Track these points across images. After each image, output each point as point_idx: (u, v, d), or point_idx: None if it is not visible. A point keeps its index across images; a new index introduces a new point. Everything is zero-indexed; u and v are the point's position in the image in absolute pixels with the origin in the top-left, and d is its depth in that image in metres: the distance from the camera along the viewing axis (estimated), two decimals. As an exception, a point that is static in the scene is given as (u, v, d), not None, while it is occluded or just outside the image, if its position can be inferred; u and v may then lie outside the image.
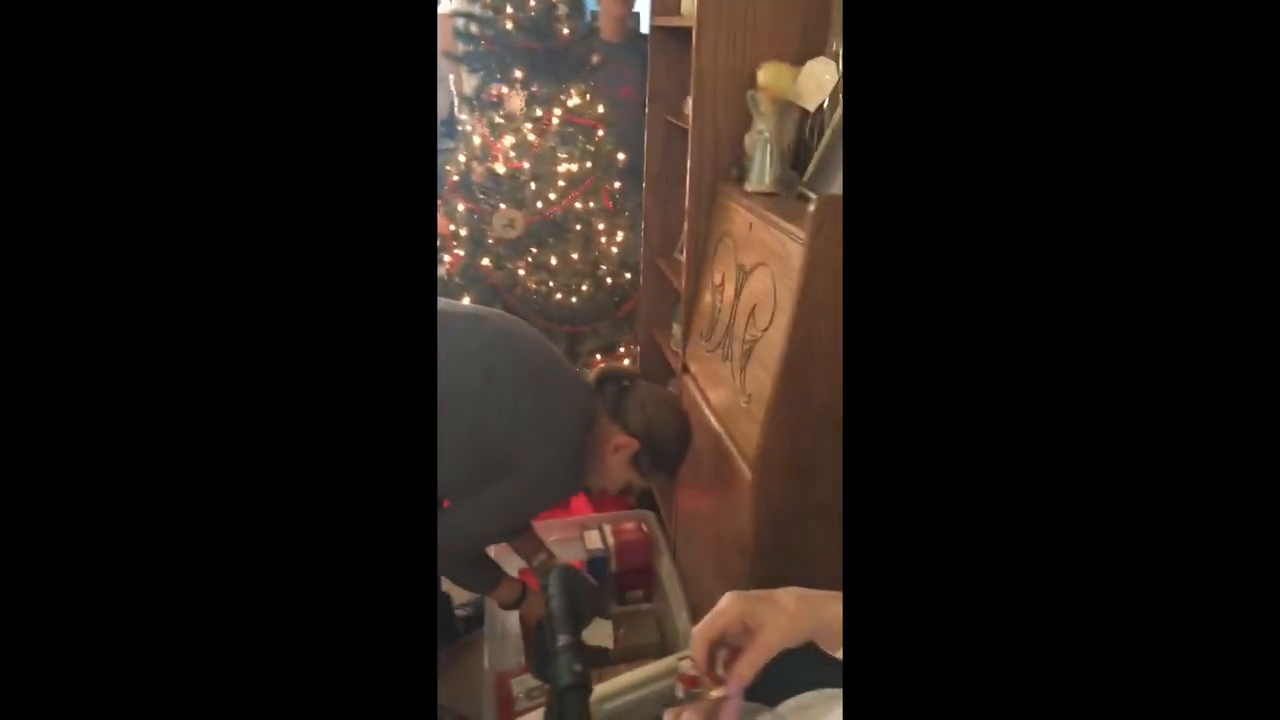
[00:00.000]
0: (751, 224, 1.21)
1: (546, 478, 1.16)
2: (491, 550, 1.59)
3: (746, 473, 1.12)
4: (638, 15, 2.73)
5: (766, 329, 1.11)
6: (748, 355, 1.16)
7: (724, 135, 1.34)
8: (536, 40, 1.92)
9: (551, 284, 2.03)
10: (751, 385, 1.14)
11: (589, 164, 2.04)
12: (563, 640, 0.70)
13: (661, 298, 1.90)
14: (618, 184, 2.12)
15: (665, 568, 1.57)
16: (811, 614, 0.59)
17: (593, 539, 1.58)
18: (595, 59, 2.08)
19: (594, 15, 2.52)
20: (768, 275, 1.12)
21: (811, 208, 0.97)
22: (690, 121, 1.35)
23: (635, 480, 1.25)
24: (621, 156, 2.13)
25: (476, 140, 2.04)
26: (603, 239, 2.12)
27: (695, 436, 1.28)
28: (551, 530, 1.59)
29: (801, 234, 0.99)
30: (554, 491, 1.20)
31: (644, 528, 1.60)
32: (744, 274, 1.22)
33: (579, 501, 2.01)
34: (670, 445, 1.22)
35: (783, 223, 1.08)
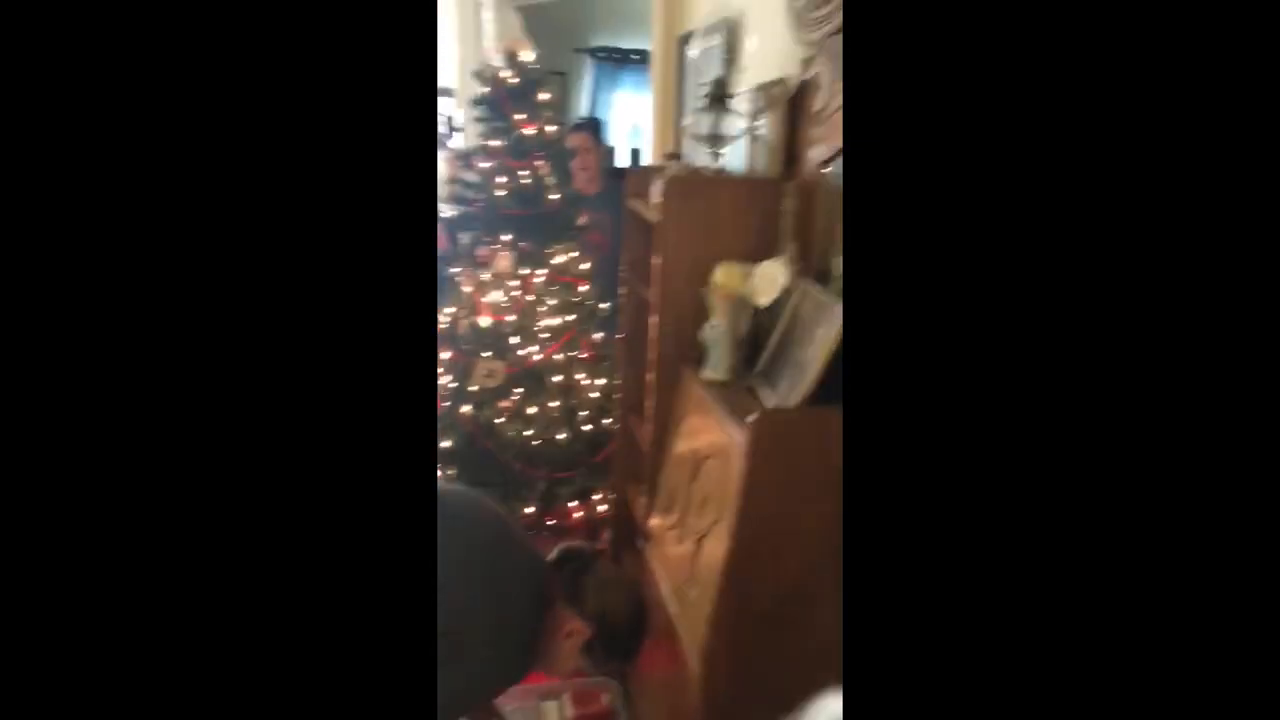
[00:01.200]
0: (706, 412, 1.26)
1: (492, 667, 1.15)
2: None
3: (694, 665, 1.12)
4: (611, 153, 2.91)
5: (714, 524, 1.13)
6: (698, 546, 1.18)
7: (685, 323, 1.42)
8: (525, 208, 2.06)
9: (528, 433, 2.08)
10: (700, 577, 1.15)
11: (571, 317, 2.14)
12: None
13: (634, 452, 1.93)
14: (598, 335, 2.21)
15: (625, 745, 1.52)
16: None
17: (550, 712, 1.53)
18: (582, 220, 2.22)
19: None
20: (716, 470, 1.16)
21: (752, 418, 1.02)
22: (653, 309, 1.44)
23: (586, 668, 1.24)
24: (604, 305, 2.23)
25: (467, 289, 2.14)
26: (582, 386, 2.19)
27: (653, 614, 1.28)
28: (508, 698, 1.55)
29: (743, 442, 1.04)
30: (500, 680, 1.19)
31: (605, 700, 1.56)
32: (698, 461, 1.26)
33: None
34: (624, 636, 1.21)
35: (729, 422, 1.13)
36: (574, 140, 2.71)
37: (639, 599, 1.25)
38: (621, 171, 4.16)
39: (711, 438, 1.21)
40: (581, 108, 5.37)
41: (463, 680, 1.13)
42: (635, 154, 5.20)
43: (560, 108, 5.29)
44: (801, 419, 1.04)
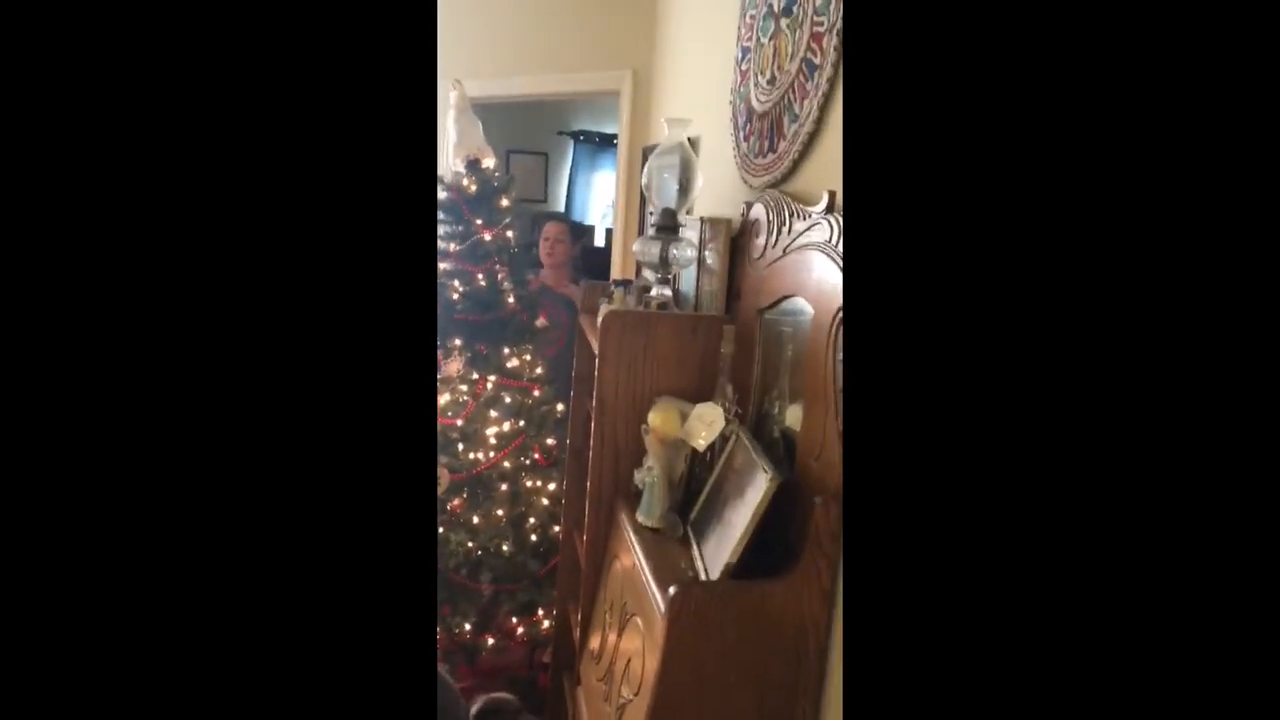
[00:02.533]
0: (634, 564, 1.21)
1: None
2: None
3: None
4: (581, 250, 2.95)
5: (635, 696, 1.07)
6: (620, 715, 1.11)
7: (623, 456, 1.38)
8: (481, 312, 2.04)
9: (472, 544, 2.00)
10: (619, 751, 1.08)
11: (521, 423, 2.09)
12: None
13: (575, 573, 1.86)
14: (550, 440, 2.16)
15: None
16: None
17: None
18: (541, 321, 2.21)
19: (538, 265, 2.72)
20: (638, 635, 1.10)
21: (673, 591, 0.97)
22: (592, 437, 1.40)
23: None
24: (560, 407, 2.19)
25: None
26: (531, 490, 2.13)
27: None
28: None
29: (663, 612, 0.99)
30: None
31: None
32: (625, 616, 1.20)
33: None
34: None
35: (654, 584, 1.08)
36: (550, 229, 2.73)
37: None
38: (595, 253, 4.17)
39: (638, 594, 1.16)
40: (561, 186, 5.48)
41: None
42: (609, 234, 5.29)
43: (540, 186, 5.40)
44: (720, 596, 1.00)
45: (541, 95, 2.97)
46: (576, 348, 1.79)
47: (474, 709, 1.23)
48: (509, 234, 2.10)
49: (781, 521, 1.05)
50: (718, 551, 1.09)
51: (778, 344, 1.25)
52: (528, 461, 2.12)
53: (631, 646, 1.14)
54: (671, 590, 0.98)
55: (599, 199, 5.54)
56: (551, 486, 2.15)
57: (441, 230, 2.08)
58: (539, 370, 2.15)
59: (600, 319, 1.37)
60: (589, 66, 2.66)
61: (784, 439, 1.21)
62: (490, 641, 1.99)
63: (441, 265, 2.08)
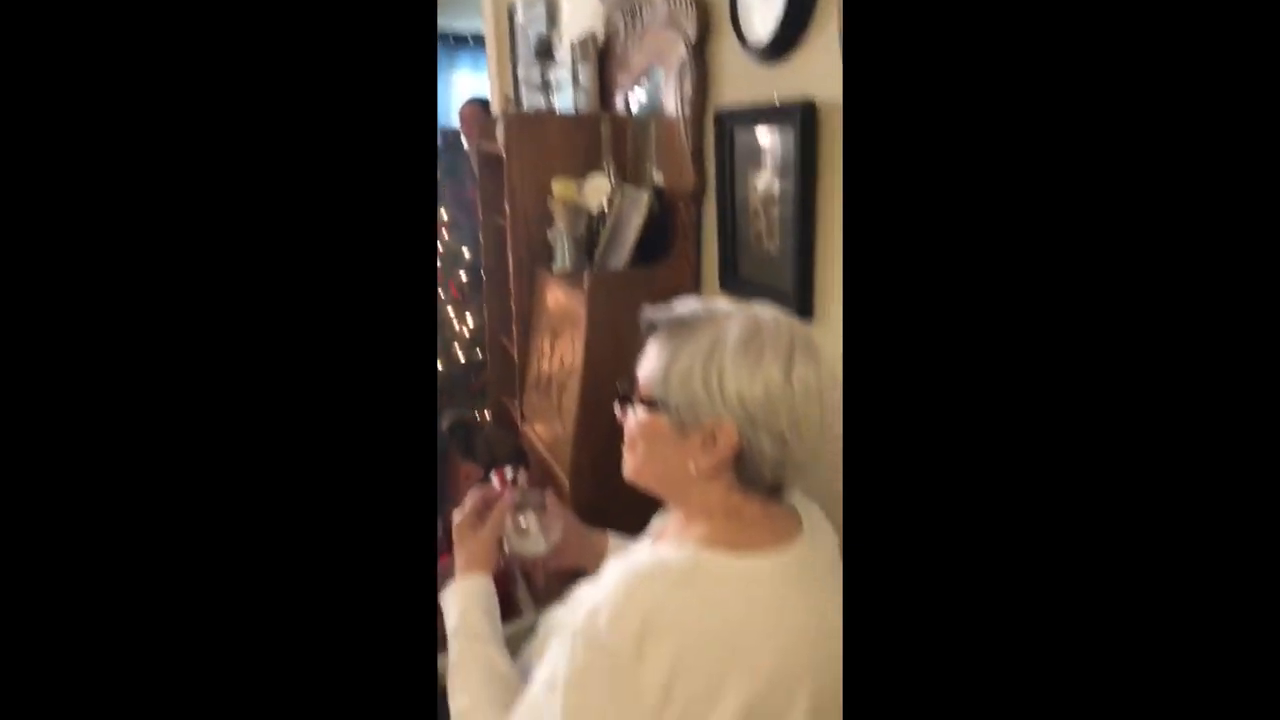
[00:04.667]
0: (557, 298, 1.59)
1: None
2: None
3: (565, 482, 1.45)
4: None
5: (570, 370, 1.47)
6: (561, 390, 1.52)
7: (534, 232, 1.73)
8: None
9: (410, 365, 2.32)
10: (564, 411, 1.49)
11: (437, 263, 2.39)
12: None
13: (506, 369, 2.23)
14: (464, 277, 2.47)
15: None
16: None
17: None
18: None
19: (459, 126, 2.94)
20: (568, 334, 1.50)
21: (586, 283, 1.36)
22: (508, 223, 1.74)
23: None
24: (466, 252, 2.50)
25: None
26: (454, 323, 2.45)
27: (534, 460, 1.60)
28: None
29: (583, 297, 1.38)
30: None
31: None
32: (555, 336, 1.59)
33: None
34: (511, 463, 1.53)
35: (573, 293, 1.47)
36: (465, 111, 2.97)
37: (516, 442, 1.58)
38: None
39: (562, 311, 1.55)
40: (423, 90, 5.49)
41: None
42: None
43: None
44: (624, 275, 1.40)
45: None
46: (481, 172, 2.10)
47: (444, 424, 1.59)
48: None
49: (658, 239, 1.45)
50: (618, 262, 1.49)
51: (644, 122, 1.63)
52: (445, 297, 2.43)
53: (563, 349, 1.53)
54: (586, 276, 1.37)
55: (460, 95, 5.61)
56: (470, 320, 2.48)
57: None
58: (445, 216, 2.43)
59: (502, 124, 1.69)
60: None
61: (656, 193, 1.61)
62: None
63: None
